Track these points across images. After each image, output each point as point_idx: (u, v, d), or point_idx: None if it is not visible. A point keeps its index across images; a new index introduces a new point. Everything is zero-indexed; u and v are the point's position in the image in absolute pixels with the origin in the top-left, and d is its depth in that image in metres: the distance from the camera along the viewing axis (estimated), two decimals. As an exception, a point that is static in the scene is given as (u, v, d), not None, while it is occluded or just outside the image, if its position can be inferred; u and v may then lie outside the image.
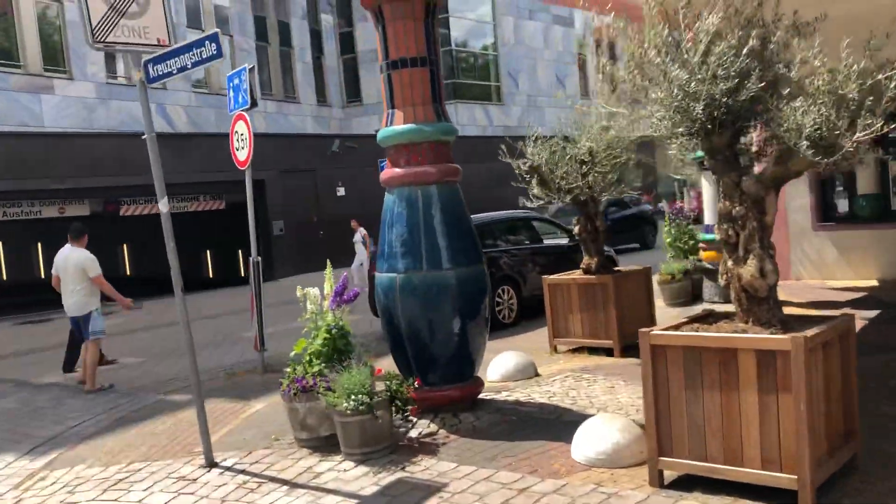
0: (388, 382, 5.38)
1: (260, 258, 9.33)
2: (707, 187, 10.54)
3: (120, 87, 23.74)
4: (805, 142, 3.79)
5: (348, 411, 5.07)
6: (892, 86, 3.57)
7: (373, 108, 35.58)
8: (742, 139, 4.28)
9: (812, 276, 11.90)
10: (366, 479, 4.85)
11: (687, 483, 4.18)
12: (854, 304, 9.58)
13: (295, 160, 25.51)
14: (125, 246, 32.27)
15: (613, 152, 8.24)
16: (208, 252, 29.32)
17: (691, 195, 13.70)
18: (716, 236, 4.31)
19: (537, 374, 7.23)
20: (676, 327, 4.33)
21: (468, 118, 34.34)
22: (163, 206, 5.42)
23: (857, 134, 3.61)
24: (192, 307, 9.45)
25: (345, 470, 5.06)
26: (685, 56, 4.02)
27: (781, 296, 11.25)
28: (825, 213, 11.99)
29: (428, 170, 5.68)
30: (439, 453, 5.17)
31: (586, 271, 8.49)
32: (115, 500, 5.12)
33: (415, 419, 5.67)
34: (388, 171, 5.83)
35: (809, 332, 3.79)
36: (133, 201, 22.05)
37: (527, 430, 5.48)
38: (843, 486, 4.01)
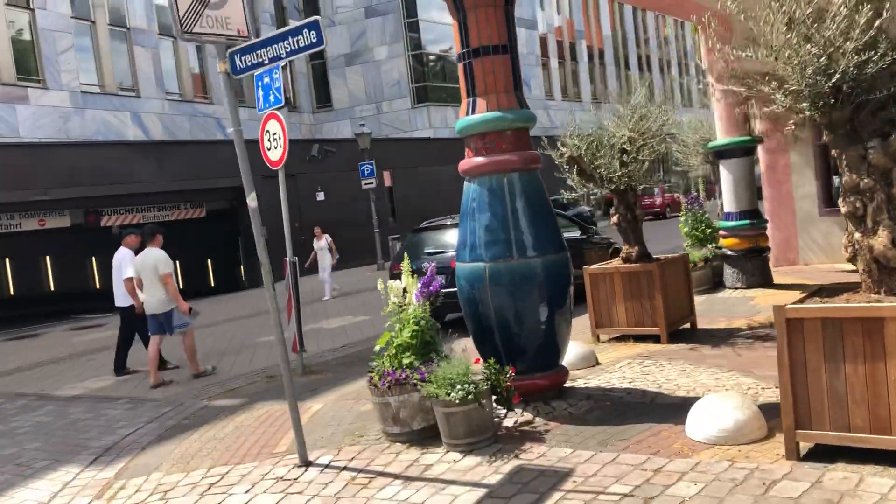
0: (487, 371, 5.32)
1: (297, 258, 9.16)
2: (726, 176, 10.69)
3: (94, 96, 23.20)
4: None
5: (456, 401, 5.00)
6: None
7: (343, 113, 35.42)
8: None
9: (821, 261, 12.16)
10: (483, 469, 4.78)
11: (825, 454, 4.21)
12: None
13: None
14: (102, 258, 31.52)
15: (651, 142, 8.33)
16: (207, 260, 28.82)
17: (704, 187, 13.90)
18: (842, 208, 4.33)
19: (598, 363, 7.24)
20: (802, 301, 4.36)
21: (440, 121, 34.38)
22: (251, 200, 5.29)
23: None
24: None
25: (454, 461, 4.99)
26: (811, 32, 4.07)
27: (790, 280, 11.42)
28: (831, 199, 12.27)
29: (512, 157, 5.64)
30: (547, 440, 5.12)
31: (626, 259, 8.54)
32: None
33: (514, 409, 5.61)
34: (469, 161, 5.77)
35: (956, 298, 3.86)
36: (114, 211, 21.53)
37: (625, 415, 5.47)
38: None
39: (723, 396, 4.94)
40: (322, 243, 17.56)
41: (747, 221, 10.48)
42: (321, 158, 26.02)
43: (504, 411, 5.62)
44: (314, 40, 4.78)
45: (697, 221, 11.32)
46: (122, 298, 10.10)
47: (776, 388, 5.74)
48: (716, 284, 10.89)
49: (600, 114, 8.85)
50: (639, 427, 5.16)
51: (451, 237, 11.18)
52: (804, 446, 4.32)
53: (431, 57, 35.25)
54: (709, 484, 4.10)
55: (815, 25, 4.04)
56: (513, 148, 5.67)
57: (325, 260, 17.47)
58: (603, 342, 8.40)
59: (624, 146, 8.19)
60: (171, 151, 22.46)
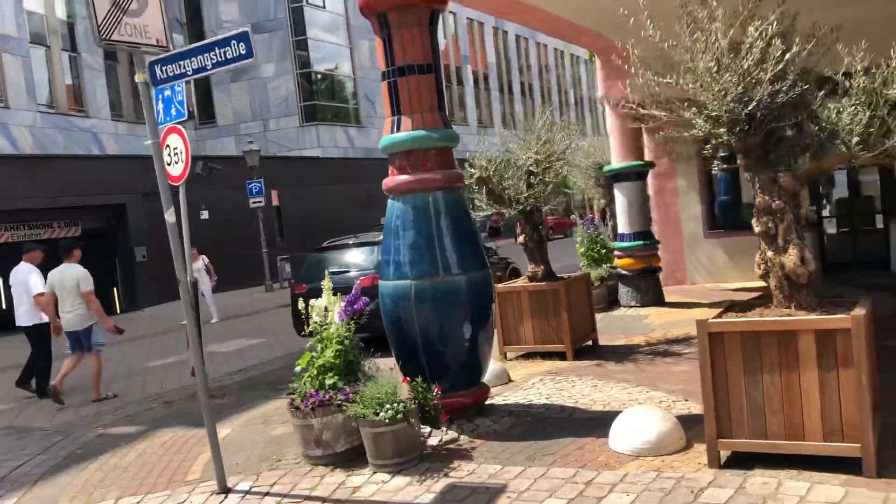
0: (415, 391, 5.30)
1: (196, 278, 8.82)
2: (621, 199, 11.14)
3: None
4: (841, 140, 4.19)
5: (386, 420, 4.95)
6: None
7: (228, 130, 34.54)
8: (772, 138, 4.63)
9: (706, 280, 12.86)
10: (414, 489, 4.74)
11: (743, 461, 4.44)
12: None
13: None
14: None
15: (556, 165, 8.61)
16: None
17: (599, 209, 14.43)
18: (755, 228, 4.60)
19: (511, 380, 7.34)
20: (718, 316, 4.60)
21: (329, 140, 34.11)
22: (168, 216, 5.07)
23: (900, 131, 4.04)
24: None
25: (383, 482, 4.93)
26: (728, 62, 4.33)
27: (680, 299, 12.01)
28: (715, 222, 13.02)
29: (436, 176, 5.68)
30: (474, 457, 5.15)
31: (532, 278, 8.73)
32: (134, 535, 4.70)
33: (440, 427, 5.60)
34: (394, 179, 5.77)
35: (860, 311, 4.17)
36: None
37: (548, 430, 5.58)
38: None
39: (644, 409, 5.12)
40: (199, 265, 17.00)
41: (641, 242, 10.95)
42: (206, 176, 25.22)
43: (428, 430, 5.60)
44: (243, 52, 4.66)
45: (593, 242, 11.73)
46: (25, 317, 9.48)
47: (685, 400, 6.04)
48: (611, 303, 11.31)
49: (506, 137, 9.06)
50: (563, 441, 5.27)
51: (354, 257, 11.10)
52: (723, 454, 4.53)
53: (320, 75, 34.98)
54: (640, 494, 4.23)
55: (733, 56, 4.31)
56: (437, 166, 5.71)
57: (205, 282, 16.92)
58: (510, 360, 8.53)
59: (531, 168, 8.42)
60: (43, 166, 21.20)
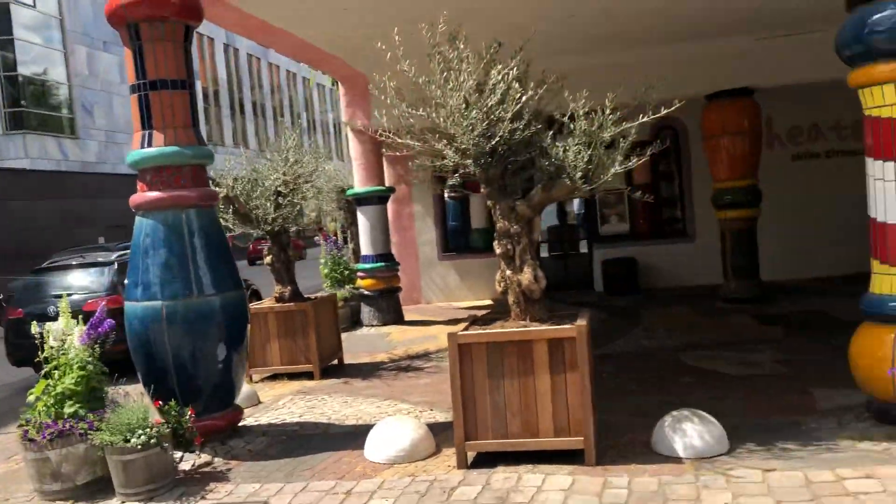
0: (167, 415, 5.12)
1: None
2: (363, 222, 11.53)
3: None
4: (567, 174, 4.85)
5: (138, 447, 4.74)
6: (633, 131, 4.80)
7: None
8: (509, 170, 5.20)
9: (440, 300, 13.68)
10: (169, 515, 4.60)
11: (487, 461, 4.89)
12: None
13: None
14: None
15: (304, 186, 8.77)
16: None
17: (342, 230, 14.71)
18: (496, 250, 5.12)
19: (261, 402, 7.31)
20: (465, 329, 5.05)
21: (39, 151, 30.96)
22: None
23: (614, 168, 4.77)
24: None
25: (134, 512, 4.71)
26: (476, 100, 4.82)
27: (418, 317, 12.76)
28: (447, 245, 13.92)
29: (190, 193, 5.57)
30: (231, 478, 5.10)
31: (280, 299, 8.76)
32: None
33: (193, 451, 5.44)
34: (143, 195, 5.56)
35: (582, 322, 4.83)
36: None
37: (304, 446, 5.66)
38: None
39: (397, 420, 5.42)
40: None
41: (382, 264, 11.42)
42: None
43: (180, 455, 5.43)
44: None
45: (336, 263, 11.99)
46: None
47: (431, 410, 6.47)
48: (354, 322, 11.62)
49: (252, 157, 9.04)
50: (321, 456, 5.40)
51: (80, 278, 10.29)
52: (470, 455, 4.96)
53: (30, 81, 31.74)
54: (398, 498, 4.50)
55: (479, 95, 4.80)
56: (191, 184, 5.60)
57: None
58: (257, 382, 8.45)
59: (279, 189, 8.48)
60: None
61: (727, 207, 10.82)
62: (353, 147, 11.53)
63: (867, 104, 4.95)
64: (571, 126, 4.89)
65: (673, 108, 4.98)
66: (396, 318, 11.48)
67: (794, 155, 12.72)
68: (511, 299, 5.12)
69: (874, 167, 4.95)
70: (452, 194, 13.79)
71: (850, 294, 5.18)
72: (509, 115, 4.71)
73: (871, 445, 4.72)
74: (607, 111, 4.79)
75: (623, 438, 5.21)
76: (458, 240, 14.30)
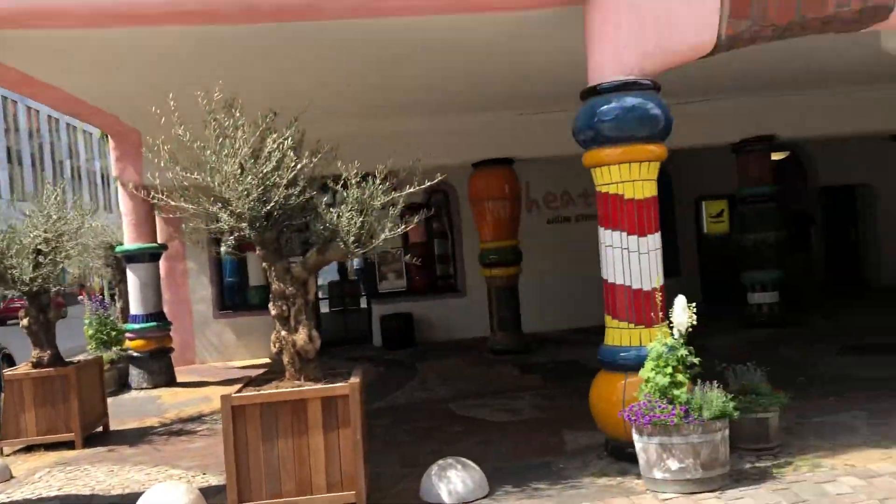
0: None
1: None
2: (133, 280, 11.05)
3: None
4: (340, 238, 5.14)
5: None
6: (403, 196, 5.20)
7: None
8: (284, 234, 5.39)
9: (216, 360, 13.33)
10: None
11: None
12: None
13: None
14: None
15: (68, 245, 8.34)
16: None
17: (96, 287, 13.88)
18: (272, 311, 5.25)
19: (13, 476, 6.77)
20: (240, 391, 5.11)
21: None
22: None
23: (384, 234, 5.12)
24: None
25: None
26: (251, 166, 4.99)
27: (192, 378, 12.48)
28: (224, 303, 13.65)
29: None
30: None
31: (38, 364, 8.18)
32: None
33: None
34: None
35: (356, 380, 5.08)
36: None
37: (65, 521, 5.36)
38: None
39: (167, 486, 5.28)
40: None
41: (154, 323, 10.98)
42: None
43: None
44: None
45: (102, 324, 11.34)
46: None
47: (204, 474, 6.39)
48: (122, 386, 11.01)
49: (4, 207, 8.46)
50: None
51: None
52: (241, 517, 4.97)
53: None
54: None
55: (254, 161, 4.98)
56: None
57: None
58: (8, 455, 7.78)
59: (39, 247, 8.00)
60: None
61: (492, 266, 11.67)
62: (124, 202, 11.09)
63: (598, 181, 5.72)
64: (345, 194, 5.20)
65: (437, 180, 5.48)
66: (168, 379, 11.05)
67: (548, 219, 14.02)
68: (286, 359, 5.27)
69: (605, 235, 5.71)
70: (230, 251, 13.58)
71: (599, 344, 5.86)
72: (284, 181, 4.94)
73: (607, 481, 5.35)
74: (377, 181, 5.16)
75: (394, 489, 5.48)
76: (235, 297, 14.09)
